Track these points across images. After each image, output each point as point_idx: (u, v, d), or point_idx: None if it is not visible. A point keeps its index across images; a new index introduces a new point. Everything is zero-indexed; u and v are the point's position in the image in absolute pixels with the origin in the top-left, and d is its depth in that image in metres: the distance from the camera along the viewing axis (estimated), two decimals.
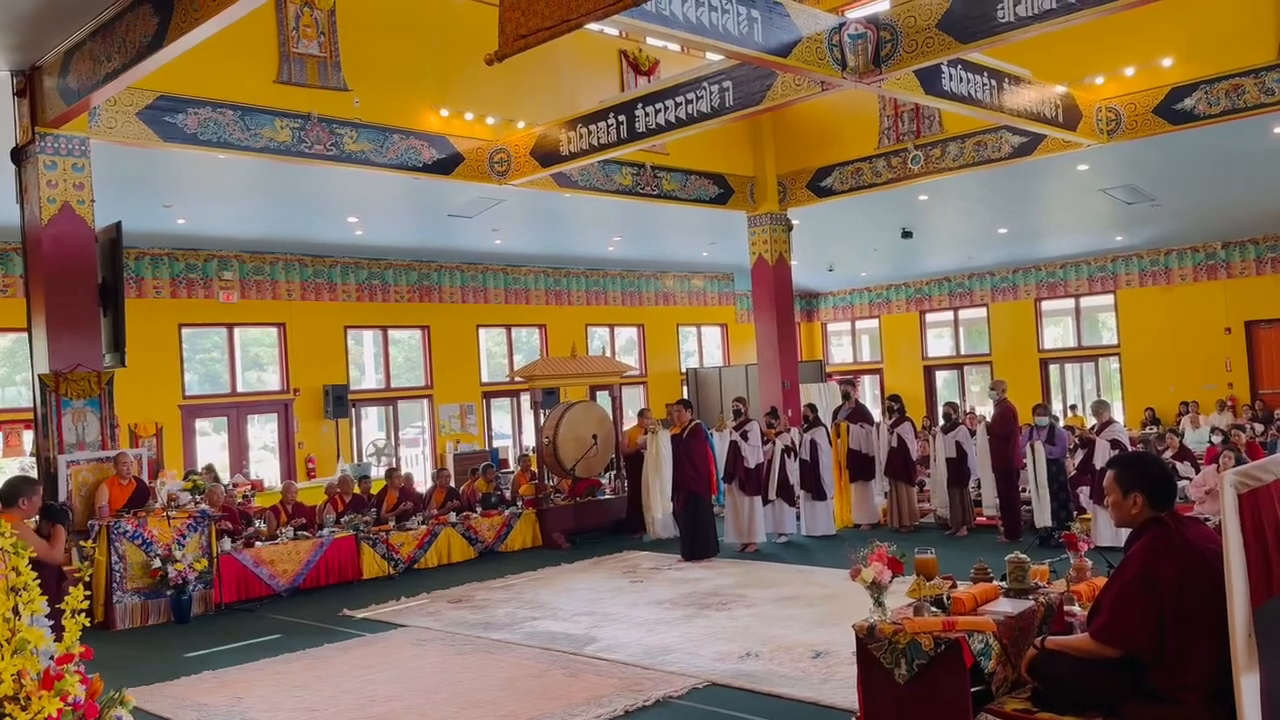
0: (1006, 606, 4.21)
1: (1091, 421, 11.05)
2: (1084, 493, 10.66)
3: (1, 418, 13.61)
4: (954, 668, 3.84)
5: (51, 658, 2.51)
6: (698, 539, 10.51)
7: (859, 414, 12.32)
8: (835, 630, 7.26)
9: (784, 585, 9.08)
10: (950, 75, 10.14)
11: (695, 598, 8.75)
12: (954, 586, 4.31)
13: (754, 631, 7.46)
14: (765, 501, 11.18)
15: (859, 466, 12.04)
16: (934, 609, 4.05)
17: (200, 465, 14.32)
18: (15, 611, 2.37)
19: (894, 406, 11.96)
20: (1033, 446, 10.41)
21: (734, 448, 10.96)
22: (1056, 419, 10.66)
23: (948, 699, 3.85)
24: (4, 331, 13.56)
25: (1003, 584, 4.46)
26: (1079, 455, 10.98)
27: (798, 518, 11.65)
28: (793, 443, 11.56)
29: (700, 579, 9.59)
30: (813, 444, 11.64)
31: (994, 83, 10.56)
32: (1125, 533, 3.77)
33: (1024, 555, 4.47)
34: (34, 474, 9.32)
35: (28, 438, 12.79)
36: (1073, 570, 4.72)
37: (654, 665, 6.74)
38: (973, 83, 10.40)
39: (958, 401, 12.58)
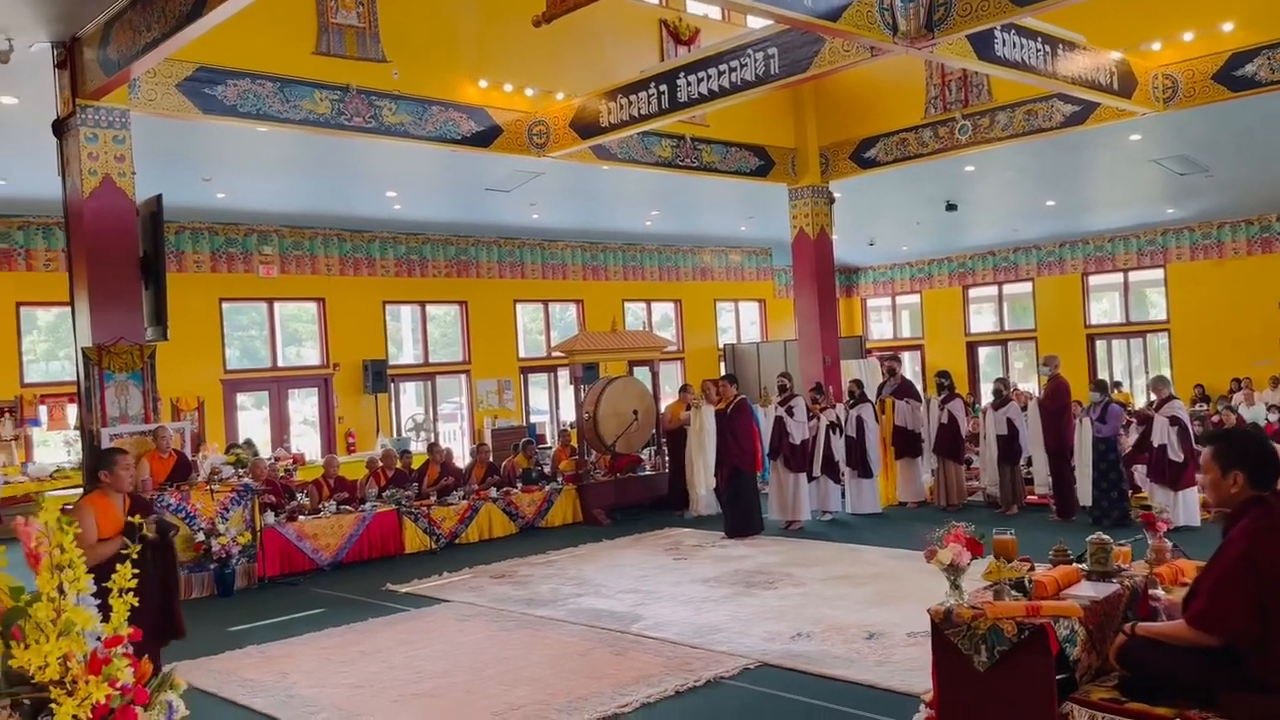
0: (1090, 590, 3.97)
1: (1149, 398, 10.70)
2: (1139, 471, 10.37)
3: (48, 391, 13.70)
4: (1039, 655, 3.61)
5: (99, 639, 2.35)
6: (742, 516, 10.34)
7: (905, 390, 12.04)
8: (888, 611, 7.09)
9: (832, 564, 8.88)
10: (1003, 40, 9.76)
11: (741, 576, 8.59)
12: (1033, 569, 4.07)
13: (804, 611, 7.27)
14: (810, 478, 10.97)
15: (905, 443, 11.78)
16: (1015, 593, 3.81)
17: (241, 439, 14.34)
18: (60, 590, 2.20)
19: (944, 383, 11.67)
20: (1080, 423, 10.11)
21: (779, 423, 10.75)
22: (1110, 397, 10.29)
23: (1031, 687, 3.62)
24: (51, 305, 13.62)
25: (1083, 566, 4.21)
26: (1132, 433, 10.66)
27: (843, 495, 11.45)
28: (838, 419, 11.35)
29: (745, 556, 9.43)
30: (858, 420, 11.42)
31: (1048, 48, 10.17)
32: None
33: (1106, 536, 4.22)
34: (110, 445, 9.16)
35: (72, 411, 12.84)
36: (1151, 552, 4.46)
37: (703, 645, 6.57)
38: (1026, 48, 10.02)
39: (1007, 377, 12.17)
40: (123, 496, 5.13)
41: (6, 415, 13.18)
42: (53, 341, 14.30)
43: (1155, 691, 3.51)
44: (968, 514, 11.01)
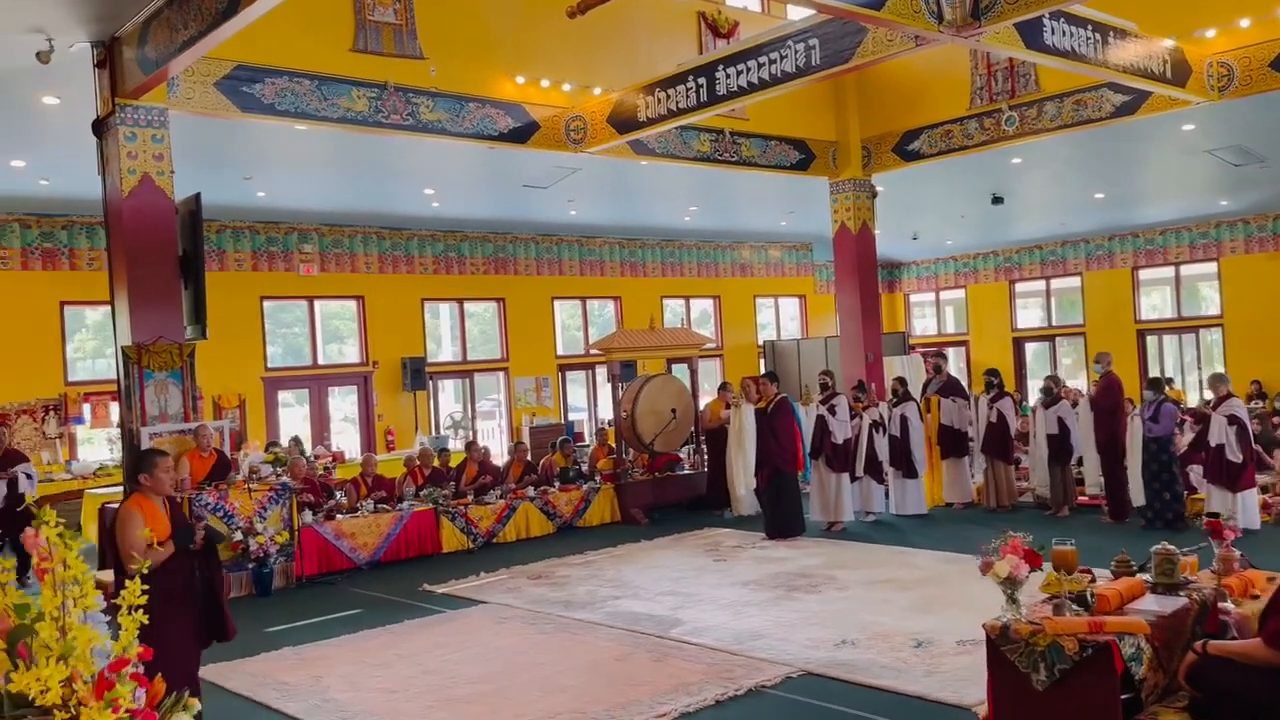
0: (1155, 604, 3.74)
1: (1205, 396, 10.33)
2: (1194, 472, 10.02)
3: (92, 389, 13.82)
4: (1103, 674, 3.39)
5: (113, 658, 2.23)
6: (783, 517, 10.17)
7: (951, 387, 11.78)
8: (936, 617, 6.86)
9: (877, 567, 8.66)
10: (1052, 28, 9.46)
11: (783, 579, 8.40)
12: (1093, 581, 3.83)
13: (848, 617, 7.06)
14: (853, 478, 10.78)
15: (951, 442, 11.51)
16: (1076, 607, 3.59)
17: (284, 437, 14.39)
18: (64, 609, 2.08)
19: (993, 381, 11.36)
20: (1132, 422, 9.79)
21: (821, 422, 10.56)
22: (1165, 395, 9.94)
23: (1095, 708, 3.40)
24: (96, 305, 13.72)
25: (1147, 578, 3.97)
26: (1187, 432, 10.31)
27: (886, 496, 11.25)
28: (881, 417, 11.12)
29: (787, 559, 9.24)
30: (903, 419, 11.19)
31: (1098, 36, 9.84)
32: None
33: (1171, 546, 3.97)
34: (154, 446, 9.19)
35: (115, 409, 12.91)
36: (1219, 562, 4.21)
37: (744, 651, 6.40)
38: (1076, 36, 9.70)
39: (1059, 375, 11.84)
40: (163, 499, 5.03)
41: (51, 413, 13.30)
42: (100, 340, 14.42)
43: (1227, 714, 3.28)
44: (1017, 515, 10.79)
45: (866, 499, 11.01)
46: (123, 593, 2.29)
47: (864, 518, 10.95)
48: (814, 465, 10.60)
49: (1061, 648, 3.48)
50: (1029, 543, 3.71)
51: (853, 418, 10.81)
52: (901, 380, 11.62)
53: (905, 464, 11.11)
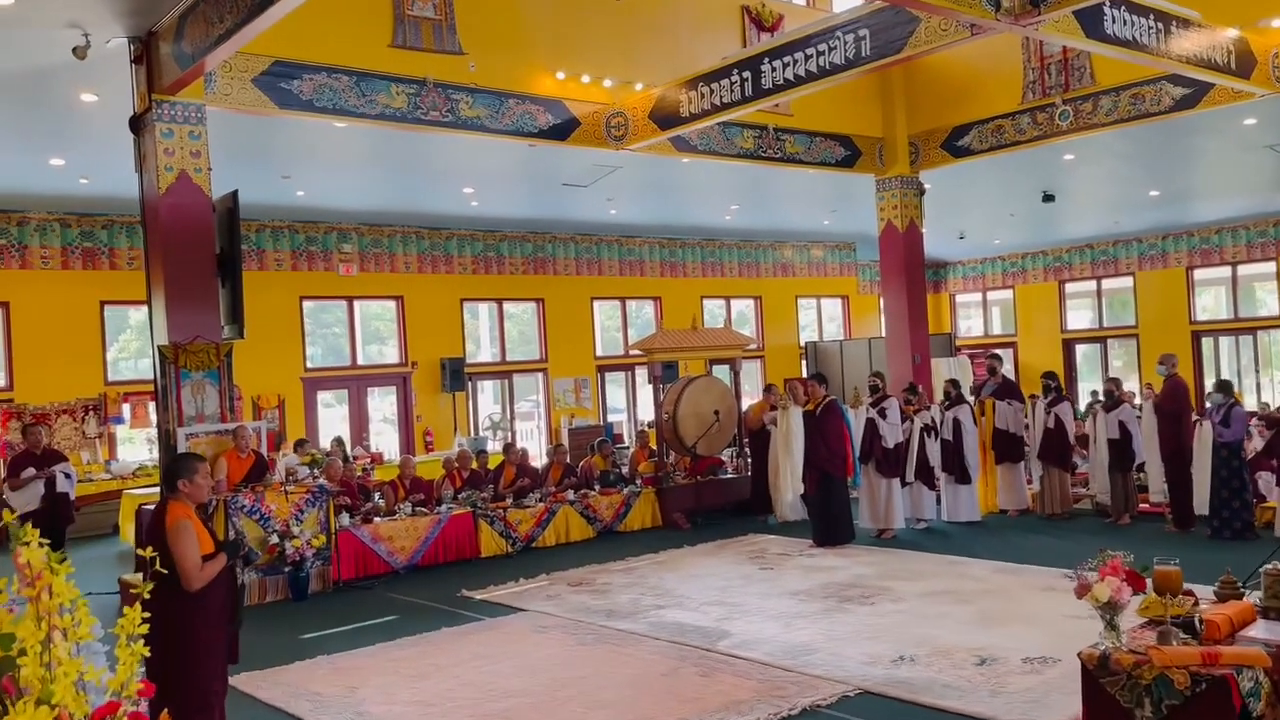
0: (1268, 631, 3.34)
1: (1260, 400, 9.82)
2: (1263, 478, 9.55)
3: (131, 389, 13.80)
4: (1218, 712, 3.02)
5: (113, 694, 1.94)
6: (832, 523, 9.88)
7: (1006, 390, 11.38)
8: (999, 632, 6.51)
9: (932, 577, 8.31)
10: (1113, 17, 9.07)
11: (834, 589, 8.07)
12: (1197, 604, 3.45)
13: (905, 631, 6.70)
14: (904, 484, 10.47)
15: (1006, 447, 11.14)
16: (1183, 635, 3.20)
17: (324, 438, 14.37)
18: (50, 642, 1.79)
19: (1050, 384, 10.97)
20: (1199, 427, 9.34)
21: (870, 426, 10.26)
22: (1234, 398, 9.46)
23: None
24: (137, 305, 13.68)
25: (1256, 600, 3.57)
26: (1255, 437, 9.82)
27: (938, 502, 10.91)
28: (933, 421, 10.78)
29: (836, 567, 8.92)
30: (955, 422, 10.83)
31: (1160, 25, 9.44)
32: None
33: None
34: (188, 449, 9.11)
35: (153, 410, 12.86)
36: None
37: (796, 667, 6.06)
38: (1137, 25, 9.30)
39: (1119, 378, 11.41)
40: (197, 506, 4.80)
41: (91, 413, 13.26)
42: (143, 340, 14.42)
43: None
44: (1074, 523, 10.46)
45: (918, 505, 10.69)
46: (121, 621, 2.00)
47: (915, 525, 10.65)
48: (863, 470, 10.34)
49: (1170, 681, 3.10)
50: (1129, 563, 3.32)
51: (904, 421, 10.52)
52: (954, 382, 11.28)
53: (958, 469, 10.78)
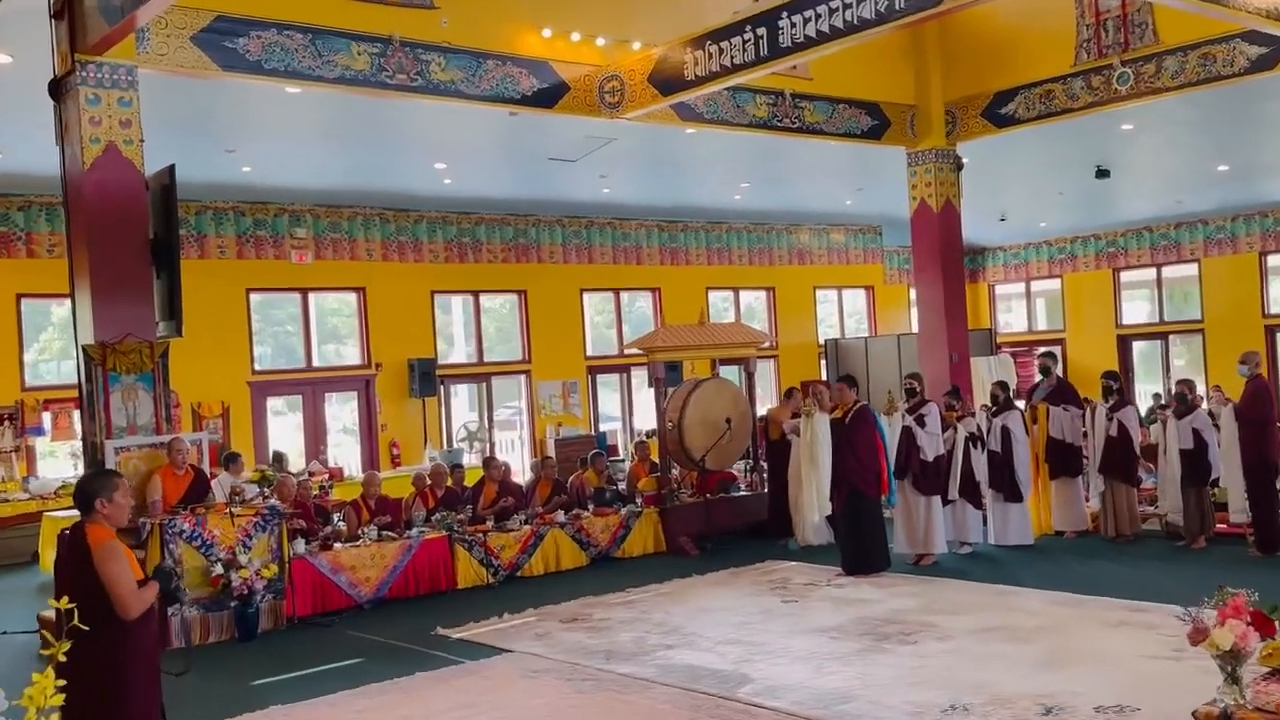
0: None
1: None
2: None
3: (53, 395, 13.66)
4: None
5: None
6: (864, 548, 9.78)
7: (1062, 393, 11.26)
8: (1063, 675, 6.42)
9: (981, 611, 8.19)
10: None
11: (869, 625, 7.95)
12: None
13: (956, 675, 6.56)
14: (945, 502, 10.36)
15: (1062, 459, 11.02)
16: None
17: (281, 449, 14.19)
18: None
19: (1112, 386, 10.86)
20: None
21: (907, 435, 10.14)
22: None
23: None
24: (60, 298, 13.52)
25: None
26: None
27: (985, 523, 10.82)
28: (979, 429, 10.68)
29: (870, 600, 8.81)
30: (1004, 431, 10.73)
31: None
32: None
33: None
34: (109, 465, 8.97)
35: (78, 419, 12.70)
36: None
37: (830, 718, 5.92)
38: None
39: (1191, 380, 11.31)
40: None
41: (6, 423, 13.07)
42: (66, 339, 14.23)
43: None
44: (1142, 547, 10.40)
45: (961, 527, 10.60)
46: (29, 692, 1.80)
47: (958, 549, 10.57)
48: (899, 487, 10.23)
49: None
50: (1254, 603, 3.13)
51: (945, 430, 10.42)
52: (1003, 384, 11.21)
53: (1007, 485, 10.68)
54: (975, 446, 10.59)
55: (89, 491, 4.36)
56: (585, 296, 18.35)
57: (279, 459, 13.24)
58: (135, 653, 4.20)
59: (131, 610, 4.14)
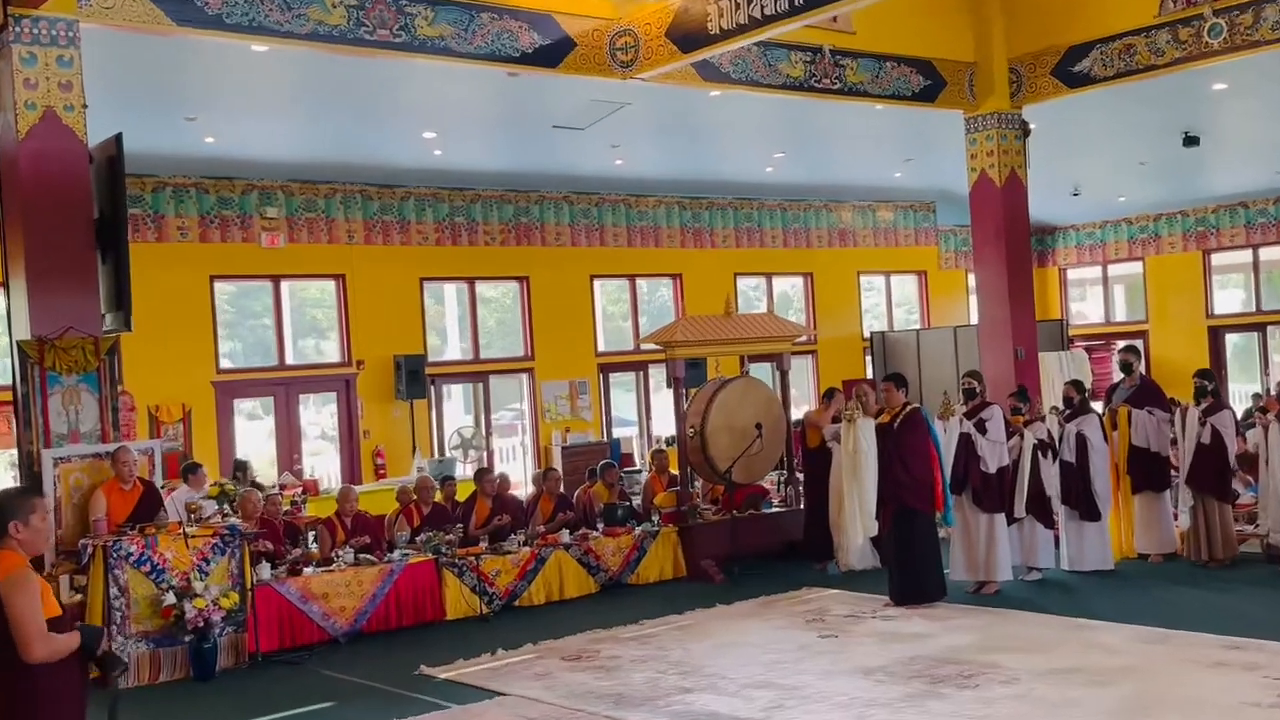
0: None
1: None
2: None
3: None
4: None
5: None
6: (915, 574, 9.72)
7: (1147, 394, 11.18)
8: None
9: (1053, 649, 8.10)
10: None
11: (922, 665, 7.86)
12: None
13: None
14: (1011, 521, 10.30)
15: (1147, 471, 10.95)
16: None
17: (235, 460, 14.25)
18: None
19: (1206, 386, 10.76)
20: None
21: (966, 443, 10.07)
22: None
23: None
24: None
25: None
26: None
27: (1057, 545, 10.79)
28: (1050, 436, 10.61)
29: (923, 635, 8.74)
30: (1079, 438, 10.62)
31: None
32: None
33: None
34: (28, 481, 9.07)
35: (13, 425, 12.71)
36: None
37: None
38: None
39: None
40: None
41: None
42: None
43: None
44: (1239, 572, 10.35)
45: (1029, 550, 10.54)
46: None
47: (1026, 575, 10.52)
48: (956, 503, 10.18)
49: None
50: None
51: (1010, 437, 10.39)
52: (1078, 384, 11.09)
53: (1083, 501, 10.60)
54: (1045, 456, 10.55)
55: (1, 513, 4.30)
56: (596, 284, 18.29)
57: (242, 468, 13.26)
58: (45, 705, 4.16)
59: (34, 652, 4.10)
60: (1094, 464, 10.63)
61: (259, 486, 12.04)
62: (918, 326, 21.08)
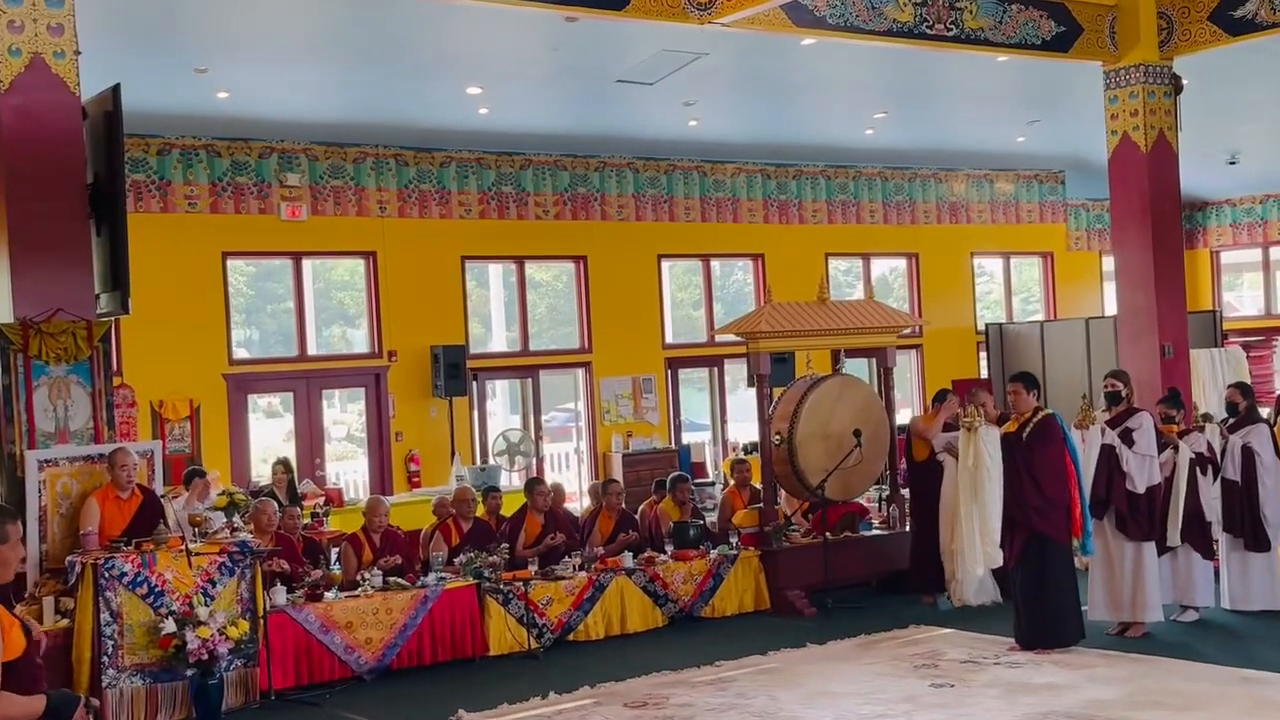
0: None
1: None
2: None
3: None
4: None
5: None
6: (1047, 613, 9.52)
7: None
8: None
9: (1215, 705, 7.86)
10: None
11: None
12: None
13: None
14: (1162, 550, 10.07)
15: None
16: None
17: (259, 460, 14.91)
18: None
19: None
20: None
21: (1109, 457, 9.83)
22: None
23: None
24: None
25: None
26: None
27: (1218, 579, 10.58)
28: (1210, 450, 10.40)
29: (1056, 685, 8.53)
30: (1245, 453, 10.38)
31: None
32: None
33: None
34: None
35: None
36: None
37: None
38: None
39: None
40: None
41: None
42: None
43: None
44: None
45: (1185, 585, 10.33)
46: None
47: (1181, 615, 10.33)
48: (1097, 528, 9.97)
49: None
50: None
51: (1162, 450, 10.15)
52: (1245, 388, 10.89)
53: (1249, 527, 10.36)
54: (1204, 473, 10.35)
55: None
56: (664, 265, 18.42)
57: (285, 465, 13.29)
58: None
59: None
60: (1263, 483, 10.39)
61: (294, 496, 12.28)
62: (1041, 318, 21.17)
